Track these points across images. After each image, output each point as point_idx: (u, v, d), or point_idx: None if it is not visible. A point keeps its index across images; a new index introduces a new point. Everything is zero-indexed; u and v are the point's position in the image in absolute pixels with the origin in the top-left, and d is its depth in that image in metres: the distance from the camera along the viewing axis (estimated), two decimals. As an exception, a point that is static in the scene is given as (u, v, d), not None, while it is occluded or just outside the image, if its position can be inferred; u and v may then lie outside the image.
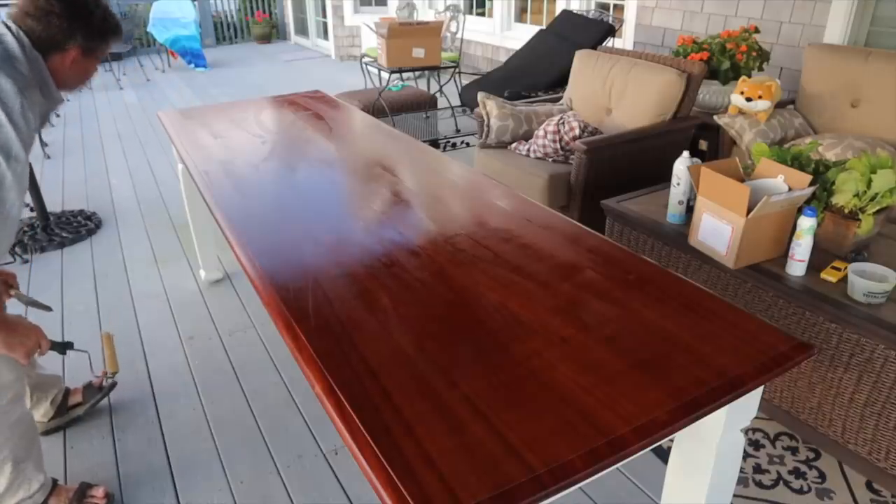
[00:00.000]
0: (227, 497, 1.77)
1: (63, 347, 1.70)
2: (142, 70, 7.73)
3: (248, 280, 1.35)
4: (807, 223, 1.70)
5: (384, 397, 0.96)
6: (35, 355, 1.50)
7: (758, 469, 1.80)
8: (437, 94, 4.86)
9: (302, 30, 9.65)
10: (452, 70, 4.83)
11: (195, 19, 7.95)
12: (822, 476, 1.77)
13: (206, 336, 2.51)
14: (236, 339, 2.48)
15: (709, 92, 3.24)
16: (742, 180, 1.83)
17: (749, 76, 3.12)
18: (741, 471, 1.76)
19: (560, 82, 3.98)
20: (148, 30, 7.97)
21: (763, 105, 2.80)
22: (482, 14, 6.66)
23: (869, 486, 1.74)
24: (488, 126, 3.15)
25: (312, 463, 1.88)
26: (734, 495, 1.27)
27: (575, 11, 4.61)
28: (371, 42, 5.88)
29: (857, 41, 3.26)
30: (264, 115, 2.63)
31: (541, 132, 3.00)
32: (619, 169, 2.79)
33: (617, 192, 2.36)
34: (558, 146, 2.92)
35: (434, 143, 4.43)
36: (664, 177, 2.22)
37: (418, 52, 4.21)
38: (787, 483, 1.75)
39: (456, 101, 4.90)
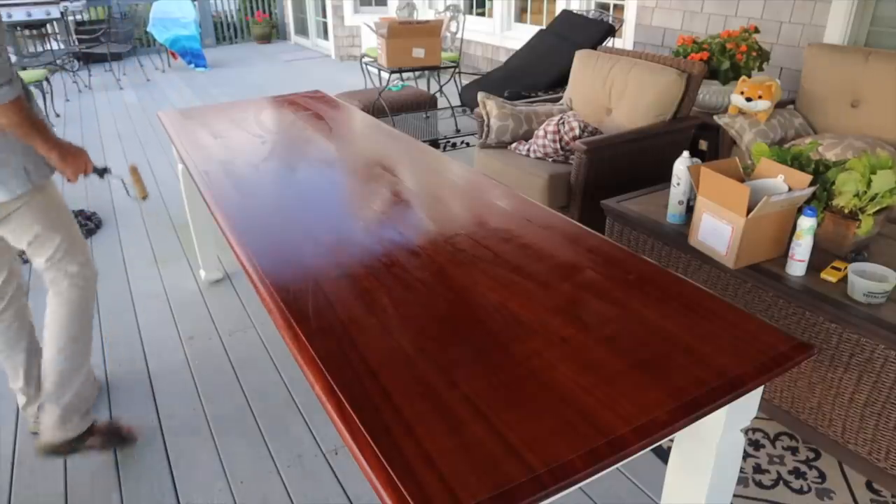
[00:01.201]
0: (227, 497, 1.77)
1: (102, 172, 1.91)
2: (142, 70, 7.73)
3: (248, 280, 1.35)
4: (807, 223, 1.70)
5: (384, 397, 0.96)
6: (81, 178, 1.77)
7: (758, 469, 1.80)
8: (437, 94, 4.86)
9: (302, 30, 9.65)
10: (452, 70, 4.82)
11: (195, 19, 7.95)
12: (822, 476, 1.77)
13: (206, 336, 2.51)
14: (236, 339, 2.48)
15: (709, 92, 3.24)
16: (742, 180, 1.83)
17: (749, 76, 3.12)
18: (741, 471, 1.76)
19: (560, 82, 3.98)
20: (148, 30, 7.97)
21: (763, 105, 2.81)
22: (482, 14, 6.66)
23: (869, 486, 1.74)
24: (488, 126, 3.15)
25: (312, 463, 1.88)
26: (734, 495, 1.27)
27: (575, 11, 4.61)
28: (371, 42, 5.88)
29: (857, 41, 3.26)
30: (264, 115, 2.63)
31: (541, 132, 3.00)
32: (619, 169, 2.79)
33: (617, 192, 2.36)
34: (558, 146, 2.92)
35: (434, 143, 4.43)
36: (664, 177, 2.22)
37: (418, 52, 4.21)
38: (787, 483, 1.75)
39: (456, 101, 4.90)
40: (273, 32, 9.98)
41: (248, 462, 1.88)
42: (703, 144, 3.26)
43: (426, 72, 5.04)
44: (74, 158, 1.70)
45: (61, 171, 1.70)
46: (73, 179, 1.72)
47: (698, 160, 2.01)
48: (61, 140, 1.67)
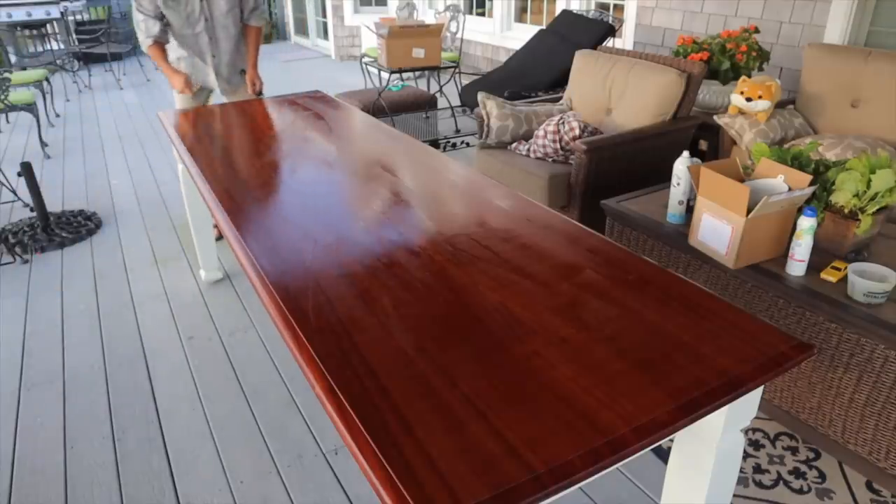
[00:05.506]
0: (227, 497, 1.77)
1: None
2: (142, 70, 7.73)
3: (248, 280, 1.35)
4: (807, 223, 1.70)
5: (384, 397, 0.96)
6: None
7: (758, 469, 1.80)
8: (437, 94, 4.85)
9: (302, 30, 9.65)
10: (452, 70, 4.82)
11: (195, 19, 7.93)
12: (822, 476, 1.77)
13: (206, 336, 2.51)
14: (236, 339, 2.48)
15: (709, 92, 3.24)
16: (742, 180, 1.83)
17: (749, 76, 3.12)
18: (741, 471, 1.76)
19: (560, 82, 3.98)
20: (148, 30, 7.96)
21: (763, 105, 2.80)
22: (482, 14, 6.66)
23: (869, 486, 1.74)
24: (488, 126, 3.15)
25: (312, 463, 1.88)
26: (734, 495, 1.27)
27: (575, 11, 4.61)
28: (371, 42, 5.88)
29: (857, 41, 3.26)
30: (264, 115, 2.63)
31: (541, 132, 3.00)
32: (619, 169, 2.79)
33: (617, 192, 2.36)
34: (558, 146, 2.92)
35: (434, 143, 4.42)
36: (664, 177, 2.22)
37: (418, 53, 4.21)
38: (787, 483, 1.75)
39: (456, 101, 4.89)
40: (273, 32, 9.98)
41: (248, 462, 1.88)
42: (703, 144, 3.26)
43: (426, 72, 5.04)
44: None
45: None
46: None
47: (698, 160, 2.01)
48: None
